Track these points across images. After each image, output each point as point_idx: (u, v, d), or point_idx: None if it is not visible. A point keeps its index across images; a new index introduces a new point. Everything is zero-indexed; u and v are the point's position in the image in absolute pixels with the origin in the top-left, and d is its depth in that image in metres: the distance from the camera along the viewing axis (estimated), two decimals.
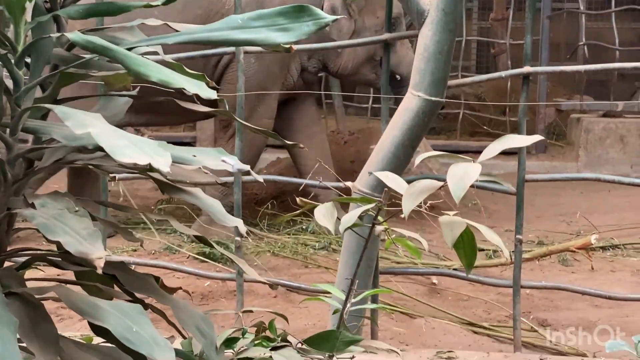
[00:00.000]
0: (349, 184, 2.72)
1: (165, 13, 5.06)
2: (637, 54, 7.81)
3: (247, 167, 1.28)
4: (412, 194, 1.23)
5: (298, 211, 1.74)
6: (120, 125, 4.22)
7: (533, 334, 3.47)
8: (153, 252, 4.66)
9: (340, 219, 1.32)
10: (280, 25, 1.26)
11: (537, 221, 5.63)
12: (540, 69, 3.34)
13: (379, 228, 1.33)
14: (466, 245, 1.24)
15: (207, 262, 4.42)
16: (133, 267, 4.02)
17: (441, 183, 1.25)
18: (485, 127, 8.80)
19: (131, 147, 1.00)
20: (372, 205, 1.30)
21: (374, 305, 1.65)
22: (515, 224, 2.97)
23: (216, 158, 1.23)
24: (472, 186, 2.76)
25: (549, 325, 3.68)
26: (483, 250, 4.59)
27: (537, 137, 1.32)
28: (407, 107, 2.78)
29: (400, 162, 2.78)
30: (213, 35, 1.27)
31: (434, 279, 4.06)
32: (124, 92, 1.40)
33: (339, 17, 1.30)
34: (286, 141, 1.43)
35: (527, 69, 2.99)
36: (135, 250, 4.61)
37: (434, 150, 6.06)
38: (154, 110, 5.15)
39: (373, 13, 5.29)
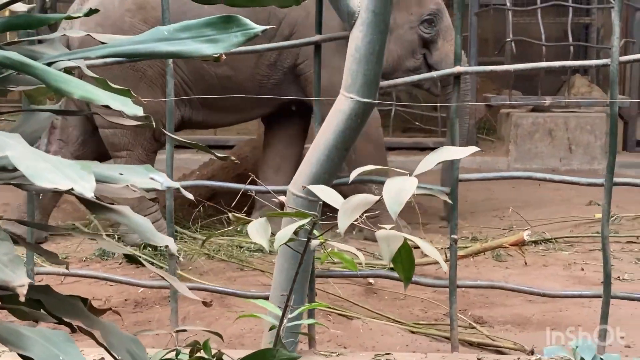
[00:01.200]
0: (282, 188, 2.68)
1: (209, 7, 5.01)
2: (562, 48, 7.94)
3: (177, 185, 1.23)
4: (347, 210, 1.21)
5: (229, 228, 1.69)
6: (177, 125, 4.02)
7: (470, 331, 3.49)
8: (84, 259, 4.57)
9: (274, 235, 1.29)
10: (207, 37, 1.22)
11: (471, 217, 5.68)
12: (470, 69, 3.35)
13: (314, 242, 1.31)
14: (404, 259, 1.22)
15: (140, 267, 4.35)
16: (63, 278, 3.97)
17: (377, 198, 1.23)
18: (417, 124, 8.87)
19: (52, 171, 0.95)
20: (307, 220, 1.27)
21: (311, 321, 1.61)
22: (450, 223, 2.98)
23: (144, 175, 1.18)
24: None
25: (485, 322, 3.71)
26: (418, 248, 4.60)
27: (473, 149, 1.31)
28: (340, 109, 2.76)
29: (333, 164, 2.75)
30: (140, 47, 1.22)
31: (371, 279, 4.05)
32: (45, 107, 1.34)
33: (267, 27, 1.27)
34: (217, 154, 1.39)
35: (457, 68, 2.99)
36: (66, 258, 4.50)
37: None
38: (212, 107, 5.04)
39: (406, 10, 5.20)
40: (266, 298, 2.74)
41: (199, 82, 4.91)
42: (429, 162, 1.29)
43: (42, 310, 1.33)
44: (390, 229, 1.28)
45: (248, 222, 1.36)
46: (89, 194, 0.94)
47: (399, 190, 1.18)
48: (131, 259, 1.35)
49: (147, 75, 4.79)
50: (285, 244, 1.29)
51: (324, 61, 4.87)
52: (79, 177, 0.96)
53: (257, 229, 1.31)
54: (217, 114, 5.19)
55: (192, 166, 6.27)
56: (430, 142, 7.91)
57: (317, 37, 3.05)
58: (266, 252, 4.68)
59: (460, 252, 4.19)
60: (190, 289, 3.37)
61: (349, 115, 2.72)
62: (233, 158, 1.49)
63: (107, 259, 4.53)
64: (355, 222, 1.19)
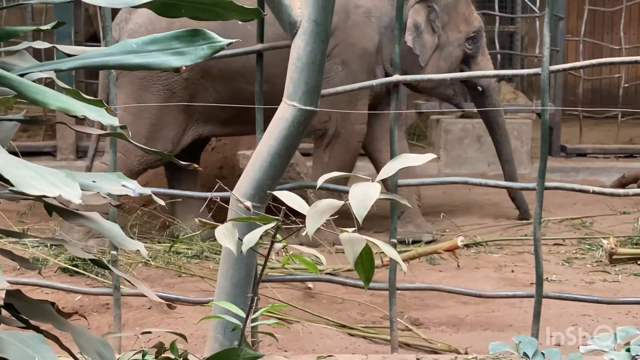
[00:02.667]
0: (229, 193, 2.72)
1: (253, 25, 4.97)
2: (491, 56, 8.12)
3: (149, 192, 1.28)
4: (315, 214, 1.26)
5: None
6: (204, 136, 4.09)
7: (407, 333, 3.58)
8: (18, 267, 4.51)
9: (241, 239, 1.34)
10: (175, 49, 1.26)
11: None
12: (409, 78, 3.44)
13: (277, 246, 1.36)
14: (365, 261, 1.29)
15: (76, 275, 4.33)
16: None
17: (342, 202, 1.29)
18: None
19: (38, 179, 0.99)
20: (273, 224, 1.33)
21: (272, 321, 1.66)
22: (390, 227, 3.06)
23: (116, 183, 1.22)
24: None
25: (421, 323, 3.80)
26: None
27: (431, 156, 1.38)
28: (282, 116, 2.81)
29: (276, 171, 2.81)
30: (109, 59, 1.26)
31: (310, 283, 4.11)
32: (11, 116, 1.36)
33: (233, 40, 1.32)
34: (182, 162, 1.43)
35: (396, 77, 3.08)
36: None
37: (300, 153, 6.20)
38: (240, 121, 5.02)
39: (456, 28, 5.38)
40: (210, 303, 2.77)
41: (235, 100, 4.92)
42: (390, 169, 1.36)
43: (2, 313, 1.35)
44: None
45: (215, 226, 1.40)
46: (77, 201, 0.98)
47: (363, 195, 1.24)
48: (100, 265, 1.38)
49: (177, 95, 4.91)
50: (252, 248, 1.34)
51: (348, 65, 4.98)
52: (63, 184, 0.99)
53: (224, 233, 1.36)
54: (246, 127, 5.06)
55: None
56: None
57: (259, 46, 3.10)
58: (203, 259, 4.71)
59: None
60: (134, 295, 3.40)
61: (291, 123, 2.77)
62: (196, 166, 1.53)
63: (42, 267, 4.49)
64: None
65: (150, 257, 4.61)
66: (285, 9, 2.76)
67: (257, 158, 2.83)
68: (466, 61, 5.48)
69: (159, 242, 4.94)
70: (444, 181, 3.20)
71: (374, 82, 3.26)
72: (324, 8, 2.77)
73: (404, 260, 4.31)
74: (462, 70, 5.41)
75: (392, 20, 5.06)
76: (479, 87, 5.49)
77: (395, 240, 3.00)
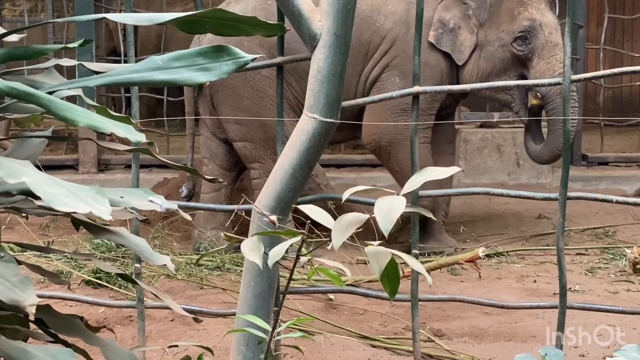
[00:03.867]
0: (252, 206, 2.74)
1: None
2: None
3: (175, 206, 1.29)
4: (340, 228, 1.27)
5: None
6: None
7: (429, 344, 3.57)
8: (42, 280, 4.55)
9: (267, 253, 1.35)
10: (200, 65, 1.28)
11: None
12: (429, 89, 3.44)
13: (303, 259, 1.37)
14: (390, 273, 1.29)
15: (99, 287, 4.36)
16: None
17: (367, 216, 1.30)
18: None
19: (69, 196, 1.00)
20: (298, 238, 1.33)
21: (298, 334, 1.67)
22: (412, 239, 3.06)
23: (143, 198, 1.24)
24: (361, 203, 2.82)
25: (443, 335, 3.79)
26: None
27: (456, 169, 1.38)
28: (303, 129, 2.82)
29: (298, 183, 2.81)
30: (135, 76, 1.28)
31: (331, 295, 4.11)
32: (39, 133, 1.38)
33: (257, 56, 1.33)
34: (206, 177, 1.44)
35: (416, 88, 3.09)
36: None
37: (319, 164, 6.21)
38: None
39: (497, 27, 5.15)
40: (233, 315, 2.78)
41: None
42: (415, 182, 1.37)
43: (31, 327, 1.37)
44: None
45: (240, 240, 1.41)
46: (107, 217, 1.00)
47: (389, 208, 1.25)
48: (126, 279, 1.40)
49: (267, 94, 4.97)
50: (277, 262, 1.35)
51: (408, 76, 4.96)
52: (94, 201, 1.01)
53: (250, 247, 1.37)
54: (342, 133, 5.28)
55: (145, 186, 6.27)
56: None
57: (279, 59, 3.11)
58: (224, 271, 4.73)
59: None
60: (157, 308, 3.41)
61: (312, 135, 2.78)
62: (221, 180, 1.54)
63: (69, 281, 4.51)
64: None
65: (174, 269, 4.63)
66: (305, 22, 2.78)
67: (278, 170, 2.84)
68: (523, 63, 5.18)
69: (180, 254, 4.97)
70: (465, 192, 3.19)
71: (394, 93, 3.26)
72: (344, 20, 2.78)
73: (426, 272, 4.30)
74: (520, 74, 5.18)
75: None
76: (537, 94, 5.15)
77: (416, 252, 3.00)
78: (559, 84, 2.97)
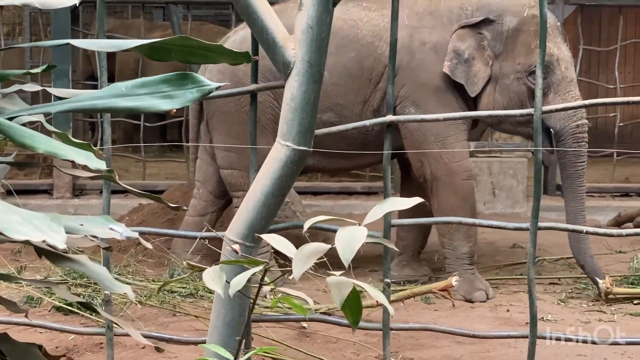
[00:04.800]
0: (221, 234, 2.73)
1: None
2: None
3: (136, 235, 1.28)
4: (302, 258, 1.27)
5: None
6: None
7: None
8: None
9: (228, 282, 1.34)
10: (164, 93, 1.27)
11: None
12: (402, 118, 3.46)
13: (265, 289, 1.36)
14: (352, 304, 1.29)
15: (70, 314, 4.31)
16: None
17: (329, 246, 1.30)
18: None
19: (24, 224, 0.99)
20: (260, 268, 1.33)
21: None
22: (384, 268, 3.05)
23: (104, 226, 1.23)
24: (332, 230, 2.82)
25: None
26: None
27: (417, 200, 1.38)
28: (276, 156, 2.82)
29: (270, 211, 2.81)
30: (98, 103, 1.27)
31: (304, 323, 4.09)
32: (1, 159, 1.37)
33: (222, 84, 1.33)
34: (171, 205, 1.44)
35: (389, 117, 3.10)
36: None
37: (296, 191, 6.21)
38: (322, 152, 4.79)
39: (512, 59, 4.96)
40: (203, 343, 2.76)
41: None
42: (377, 212, 1.37)
43: None
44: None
45: (202, 269, 1.40)
46: (61, 246, 0.98)
47: (350, 238, 1.24)
48: (87, 307, 1.38)
49: (260, 121, 4.82)
50: (239, 291, 1.34)
51: (421, 106, 4.86)
52: (49, 229, 1.00)
53: (212, 277, 1.36)
54: (328, 159, 5.12)
55: (120, 211, 6.25)
56: (359, 187, 8.01)
57: (253, 87, 3.11)
58: (197, 298, 4.69)
59: (392, 297, 4.28)
60: (127, 335, 3.38)
61: (285, 163, 2.78)
62: (185, 208, 1.53)
63: (35, 307, 4.47)
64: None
65: (145, 296, 4.60)
66: (279, 50, 2.79)
67: (250, 198, 2.83)
68: None
69: (154, 281, 4.93)
70: (437, 221, 3.20)
71: (367, 122, 3.27)
72: (318, 49, 2.80)
73: (399, 300, 4.30)
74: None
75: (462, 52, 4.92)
76: (550, 129, 4.92)
77: (388, 281, 2.99)
78: (530, 114, 2.98)
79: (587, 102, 2.97)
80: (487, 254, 5.92)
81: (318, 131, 2.98)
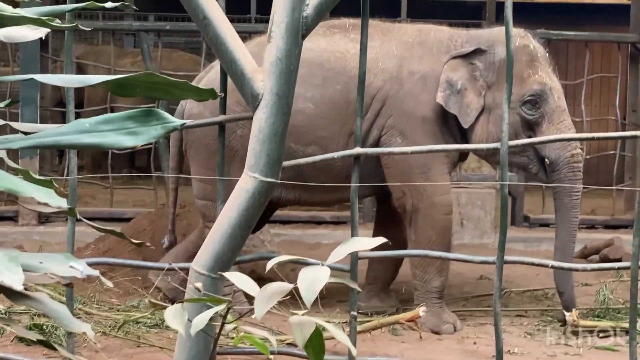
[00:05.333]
0: (188, 265, 2.71)
1: (305, 88, 4.88)
2: None
3: (97, 273, 1.27)
4: (264, 298, 1.26)
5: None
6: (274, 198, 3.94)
7: None
8: None
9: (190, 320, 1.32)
10: (128, 129, 1.27)
11: None
12: (370, 150, 3.47)
13: (228, 327, 1.35)
14: (315, 343, 1.28)
15: (32, 344, 4.25)
16: None
17: (292, 285, 1.29)
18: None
19: None
20: (223, 306, 1.32)
21: None
22: (350, 300, 3.05)
23: (64, 263, 1.21)
24: (303, 263, 2.82)
25: None
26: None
27: (381, 240, 1.39)
28: (243, 188, 2.81)
29: (237, 243, 2.79)
30: (61, 139, 1.26)
31: (271, 355, 4.06)
32: None
33: (186, 121, 1.32)
34: (133, 241, 1.43)
35: (357, 150, 3.11)
36: None
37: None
38: (305, 186, 4.82)
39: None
40: None
41: (286, 160, 4.89)
42: (339, 253, 1.36)
43: None
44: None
45: (164, 307, 1.39)
46: (18, 287, 0.97)
47: (313, 279, 1.24)
48: (45, 345, 1.36)
49: (239, 155, 4.74)
50: (202, 330, 1.33)
51: (407, 136, 4.80)
52: (6, 269, 0.98)
53: (173, 314, 1.34)
54: (310, 193, 5.07)
55: (87, 239, 6.18)
56: (327, 216, 8.01)
57: (221, 118, 3.11)
58: (163, 328, 4.64)
59: (358, 328, 4.27)
60: None
61: (252, 194, 2.78)
62: (148, 244, 1.52)
63: None
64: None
65: (109, 327, 4.55)
66: (247, 82, 2.79)
67: (217, 229, 2.82)
68: (531, 127, 4.91)
69: (119, 311, 4.88)
70: (404, 254, 3.21)
71: (335, 154, 3.27)
72: (287, 81, 2.81)
73: (366, 331, 4.29)
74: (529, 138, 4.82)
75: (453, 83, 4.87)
76: (546, 160, 4.87)
77: (355, 313, 2.98)
78: (497, 148, 3.00)
79: (552, 137, 3.00)
80: (454, 285, 5.93)
81: (286, 163, 2.98)
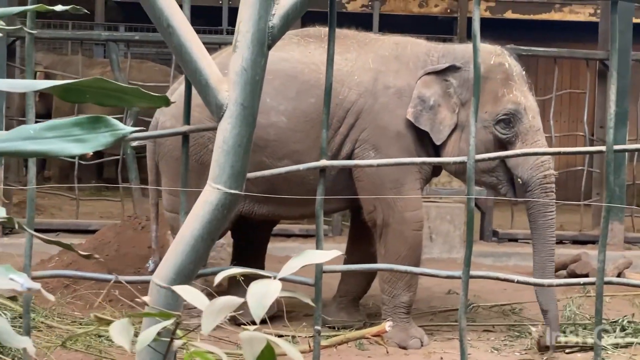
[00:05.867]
0: (149, 278, 2.65)
1: (277, 100, 4.83)
2: None
3: (38, 286, 1.22)
4: (212, 312, 1.21)
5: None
6: (245, 213, 3.95)
7: None
8: None
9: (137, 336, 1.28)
10: (75, 136, 1.22)
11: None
12: (335, 163, 3.43)
13: (177, 343, 1.30)
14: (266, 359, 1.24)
15: None
16: None
17: (242, 300, 1.25)
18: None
19: None
20: (171, 321, 1.27)
21: None
22: (314, 314, 3.00)
23: (4, 276, 1.16)
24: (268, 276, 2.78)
25: None
26: (282, 336, 4.62)
27: (336, 252, 1.35)
28: (207, 199, 2.76)
29: (199, 255, 2.74)
30: (4, 146, 1.21)
31: None
32: None
33: (136, 129, 1.28)
34: (81, 252, 1.38)
35: (323, 162, 3.06)
36: None
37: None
38: (277, 201, 4.78)
39: (480, 107, 4.52)
40: None
41: (262, 177, 4.81)
42: (292, 266, 1.33)
43: None
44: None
45: (110, 322, 1.34)
46: None
47: (263, 294, 1.20)
48: None
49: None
50: (149, 345, 1.28)
51: (380, 150, 4.73)
52: None
53: (119, 330, 1.30)
54: (283, 207, 5.00)
55: (51, 251, 6.09)
56: (296, 229, 7.97)
57: (185, 128, 3.05)
58: None
59: (324, 342, 4.23)
60: None
61: (215, 206, 2.72)
62: (97, 256, 1.48)
63: None
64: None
65: (71, 340, 4.46)
66: (212, 92, 2.74)
67: (180, 241, 2.76)
68: (504, 147, 4.84)
69: (81, 324, 4.79)
70: (369, 267, 3.17)
71: (300, 166, 3.22)
72: (252, 91, 2.76)
73: (332, 346, 4.25)
74: (502, 160, 4.84)
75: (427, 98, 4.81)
76: (518, 180, 4.85)
77: (318, 328, 2.93)
78: (464, 162, 2.98)
79: (518, 151, 2.98)
80: (422, 300, 5.91)
81: (250, 174, 2.94)
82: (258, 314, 1.21)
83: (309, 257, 1.32)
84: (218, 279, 1.38)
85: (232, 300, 1.25)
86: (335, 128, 4.88)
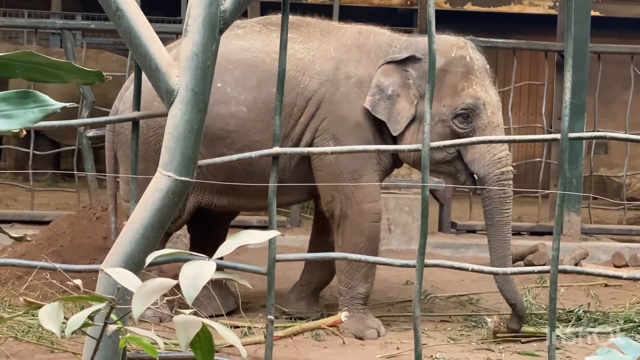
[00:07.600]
0: (97, 267, 2.59)
1: (237, 90, 4.74)
2: None
3: None
4: (143, 295, 1.17)
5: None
6: (204, 204, 3.84)
7: None
8: None
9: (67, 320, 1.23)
10: (2, 112, 1.16)
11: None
12: (289, 150, 3.38)
13: (111, 327, 1.26)
14: (203, 345, 1.20)
15: None
16: None
17: (175, 282, 1.20)
18: None
19: None
20: (104, 304, 1.22)
21: None
22: (267, 304, 2.96)
23: None
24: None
25: None
26: (238, 327, 4.58)
27: (274, 233, 1.31)
28: (157, 187, 2.71)
29: (149, 243, 2.69)
30: None
31: None
32: None
33: (67, 104, 1.23)
34: (11, 234, 1.32)
35: (276, 149, 3.02)
36: None
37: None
38: (237, 192, 4.74)
39: (438, 100, 4.72)
40: None
41: (222, 168, 4.70)
42: (228, 246, 1.28)
43: None
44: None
45: (40, 306, 1.29)
46: None
47: (195, 274, 1.15)
48: None
49: None
50: (80, 329, 1.23)
51: (340, 140, 4.66)
52: None
53: (48, 314, 1.25)
54: (243, 199, 4.96)
55: (5, 242, 5.98)
56: (254, 221, 7.91)
57: (134, 114, 3.00)
58: (79, 334, 4.49)
59: (280, 333, 4.20)
60: None
61: (165, 194, 2.68)
62: (29, 239, 1.42)
63: None
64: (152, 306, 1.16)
65: (22, 332, 4.38)
66: (162, 77, 2.69)
67: (129, 229, 2.70)
68: None
69: (33, 316, 4.70)
70: (323, 256, 3.14)
71: (252, 154, 3.17)
72: (203, 77, 2.71)
73: (287, 336, 4.21)
74: (459, 152, 4.79)
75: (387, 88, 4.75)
76: (475, 175, 4.79)
77: (272, 317, 2.89)
78: (418, 150, 2.95)
79: (474, 139, 2.96)
80: (380, 290, 5.89)
81: (201, 162, 2.89)
82: (191, 295, 1.17)
83: (244, 238, 1.28)
84: (148, 260, 1.33)
85: (165, 282, 1.20)
86: (297, 117, 4.82)
